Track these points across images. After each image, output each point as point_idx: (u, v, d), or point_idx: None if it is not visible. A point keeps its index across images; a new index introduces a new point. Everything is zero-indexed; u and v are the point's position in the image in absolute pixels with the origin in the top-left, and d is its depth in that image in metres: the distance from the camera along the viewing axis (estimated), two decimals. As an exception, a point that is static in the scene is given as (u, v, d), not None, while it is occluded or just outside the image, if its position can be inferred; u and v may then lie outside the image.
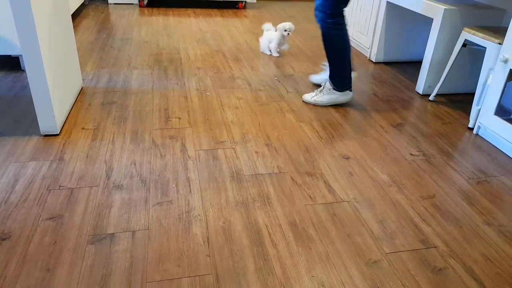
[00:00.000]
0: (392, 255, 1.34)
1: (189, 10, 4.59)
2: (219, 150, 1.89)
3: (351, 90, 2.37)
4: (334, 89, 2.33)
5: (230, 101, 2.39)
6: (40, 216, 1.42)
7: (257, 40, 3.61)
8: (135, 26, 3.85)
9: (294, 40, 3.68)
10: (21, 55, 2.61)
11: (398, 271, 1.27)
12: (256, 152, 1.89)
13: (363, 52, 3.42)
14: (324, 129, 2.13)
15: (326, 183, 1.69)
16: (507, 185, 1.75)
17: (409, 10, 3.02)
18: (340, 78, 2.31)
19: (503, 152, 2.01)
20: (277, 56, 3.18)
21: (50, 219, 1.41)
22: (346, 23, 2.17)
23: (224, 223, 1.44)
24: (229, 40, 3.56)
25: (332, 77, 2.32)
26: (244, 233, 1.40)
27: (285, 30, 3.00)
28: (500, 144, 2.04)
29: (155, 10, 4.53)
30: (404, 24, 3.10)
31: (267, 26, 3.28)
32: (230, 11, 4.68)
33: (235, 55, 3.19)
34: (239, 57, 3.15)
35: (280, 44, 3.14)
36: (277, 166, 1.79)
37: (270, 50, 3.23)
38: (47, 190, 1.55)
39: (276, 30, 3.15)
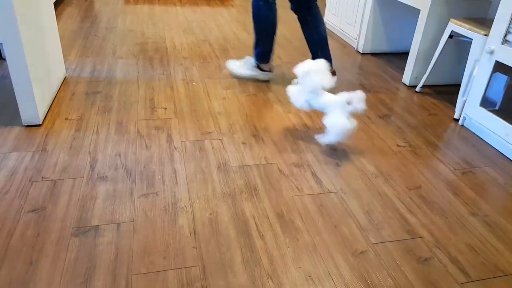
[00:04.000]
0: (378, 245, 1.35)
1: (175, -1, 4.52)
2: (206, 141, 1.87)
3: (271, 71, 2.54)
4: (256, 66, 2.51)
5: (217, 92, 2.36)
6: (22, 208, 1.39)
7: (245, 30, 3.58)
8: (120, 14, 3.78)
9: (281, 30, 3.65)
10: (1, 43, 2.53)
11: (384, 262, 1.28)
12: (243, 143, 1.87)
13: (350, 43, 3.42)
14: (312, 120, 2.13)
15: (314, 174, 1.69)
16: (492, 175, 1.78)
17: (397, 1, 3.02)
18: (260, 51, 2.48)
19: (488, 143, 2.03)
20: None
21: (32, 211, 1.38)
22: (275, 3, 2.46)
23: (211, 214, 1.43)
24: (215, 30, 3.52)
25: (254, 48, 2.49)
26: (231, 224, 1.39)
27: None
28: (485, 135, 2.06)
29: (140, -2, 4.44)
30: (392, 15, 3.10)
31: None
32: (216, 0, 4.62)
33: (222, 45, 3.16)
34: (226, 47, 3.12)
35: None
36: (265, 157, 1.78)
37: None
38: (29, 181, 1.52)
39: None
